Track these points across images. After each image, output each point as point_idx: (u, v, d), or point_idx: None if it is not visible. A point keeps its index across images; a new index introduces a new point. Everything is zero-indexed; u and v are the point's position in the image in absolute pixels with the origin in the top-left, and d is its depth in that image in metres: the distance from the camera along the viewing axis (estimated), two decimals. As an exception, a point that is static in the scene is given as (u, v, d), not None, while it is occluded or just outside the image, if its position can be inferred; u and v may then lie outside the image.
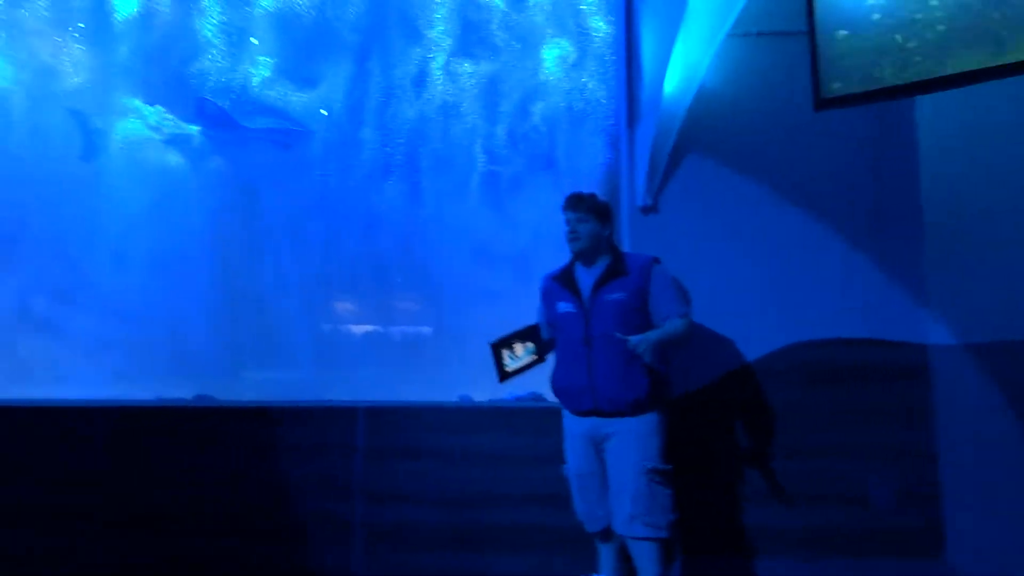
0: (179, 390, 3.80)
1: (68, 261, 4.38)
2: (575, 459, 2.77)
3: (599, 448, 2.70)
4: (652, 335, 2.58)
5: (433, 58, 4.57)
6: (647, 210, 3.29)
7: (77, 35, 4.52)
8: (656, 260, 2.76)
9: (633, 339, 2.54)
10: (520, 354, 2.73)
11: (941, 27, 2.40)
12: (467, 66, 4.57)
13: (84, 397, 3.71)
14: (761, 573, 3.07)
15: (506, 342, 2.73)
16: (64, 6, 4.52)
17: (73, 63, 4.51)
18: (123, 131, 4.56)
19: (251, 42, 4.59)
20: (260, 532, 3.28)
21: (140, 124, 4.60)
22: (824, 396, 3.14)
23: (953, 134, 3.11)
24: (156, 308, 4.30)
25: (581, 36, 4.37)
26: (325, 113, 4.61)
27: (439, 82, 4.57)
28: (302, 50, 4.65)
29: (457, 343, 4.27)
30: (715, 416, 3.17)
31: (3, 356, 4.24)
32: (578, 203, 2.76)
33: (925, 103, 3.18)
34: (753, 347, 3.19)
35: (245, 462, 3.33)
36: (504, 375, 2.72)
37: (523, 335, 2.76)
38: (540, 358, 2.77)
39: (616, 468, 2.64)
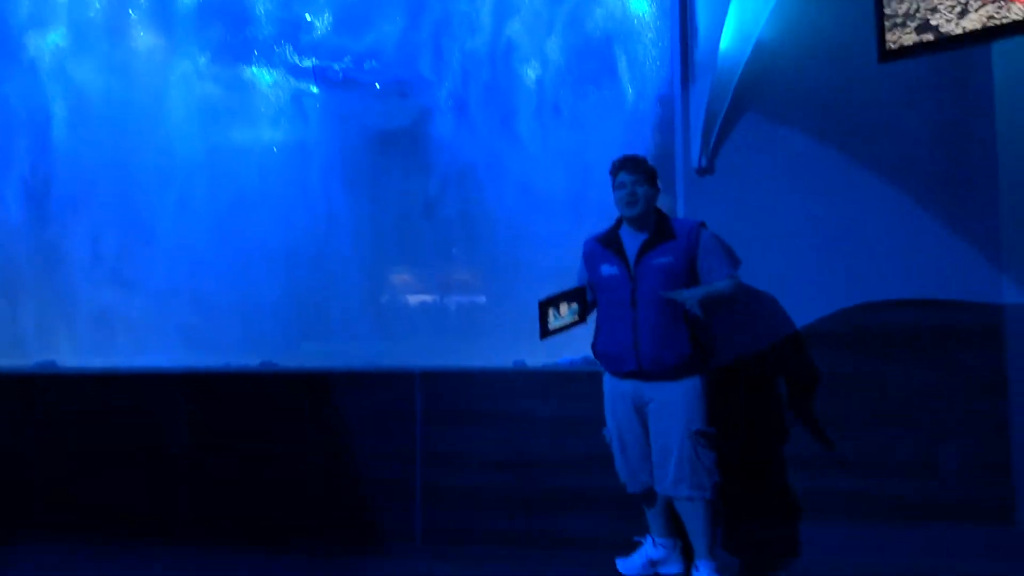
0: (246, 358, 3.97)
1: (143, 227, 4.59)
2: (616, 421, 2.81)
3: (641, 411, 2.73)
4: (699, 291, 2.59)
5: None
6: (702, 172, 3.23)
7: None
8: (703, 224, 2.76)
9: (684, 293, 2.55)
10: (564, 314, 2.74)
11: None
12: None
13: (159, 364, 3.91)
14: (819, 539, 3.01)
15: (553, 301, 2.74)
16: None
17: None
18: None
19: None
20: (323, 495, 3.41)
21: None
22: (891, 361, 3.03)
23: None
24: (224, 279, 4.47)
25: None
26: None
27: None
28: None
29: (511, 312, 4.30)
30: (774, 381, 3.11)
31: (79, 321, 4.50)
32: (635, 165, 2.75)
33: (1002, 51, 3.00)
34: (813, 311, 3.10)
35: (307, 427, 3.46)
36: (545, 332, 2.74)
37: (570, 295, 2.76)
38: (582, 319, 2.78)
39: (659, 431, 2.67)
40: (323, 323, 4.61)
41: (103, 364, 4.06)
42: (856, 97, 3.13)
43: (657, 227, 2.73)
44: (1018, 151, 2.98)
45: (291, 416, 3.49)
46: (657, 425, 2.67)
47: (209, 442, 3.53)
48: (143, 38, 4.71)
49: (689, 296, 2.53)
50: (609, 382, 2.84)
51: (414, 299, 4.78)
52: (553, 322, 2.74)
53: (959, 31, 2.43)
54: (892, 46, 2.62)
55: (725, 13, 2.99)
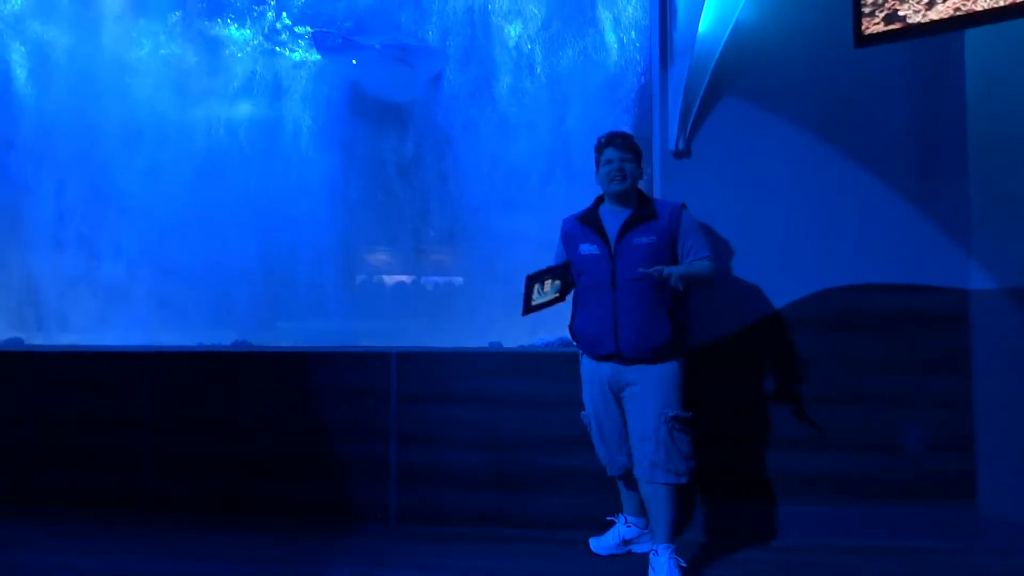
0: (218, 338, 3.93)
1: (114, 203, 4.49)
2: (594, 405, 2.78)
3: (618, 395, 2.71)
4: (680, 268, 2.58)
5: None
6: (679, 155, 3.24)
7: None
8: (683, 206, 2.74)
9: (666, 270, 2.50)
10: (547, 290, 2.70)
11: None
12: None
13: (130, 341, 3.85)
14: (788, 518, 3.08)
15: (539, 276, 2.69)
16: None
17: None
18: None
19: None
20: (297, 473, 3.40)
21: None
22: (858, 342, 3.09)
23: (1004, 73, 2.98)
24: (196, 258, 4.40)
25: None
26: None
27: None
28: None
29: (486, 293, 4.30)
30: (744, 363, 3.15)
31: (44, 303, 4.41)
32: (624, 141, 2.72)
33: (975, 38, 3.04)
34: (786, 294, 3.14)
35: (281, 405, 3.44)
36: (528, 308, 2.69)
37: (555, 271, 2.73)
38: (561, 297, 2.75)
39: (636, 415, 2.64)
40: (298, 302, 4.56)
41: (71, 340, 3.99)
42: (833, 83, 3.15)
43: (639, 206, 2.71)
44: (988, 141, 3.03)
45: (266, 395, 3.46)
46: (634, 409, 2.65)
47: (179, 420, 3.49)
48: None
49: (671, 272, 2.50)
50: (586, 364, 2.81)
51: (389, 278, 4.75)
52: (536, 298, 2.69)
53: (926, 20, 2.46)
54: (867, 31, 2.64)
55: (705, -5, 2.98)
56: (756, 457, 3.13)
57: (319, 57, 4.49)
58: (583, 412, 2.86)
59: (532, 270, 2.70)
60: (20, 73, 4.50)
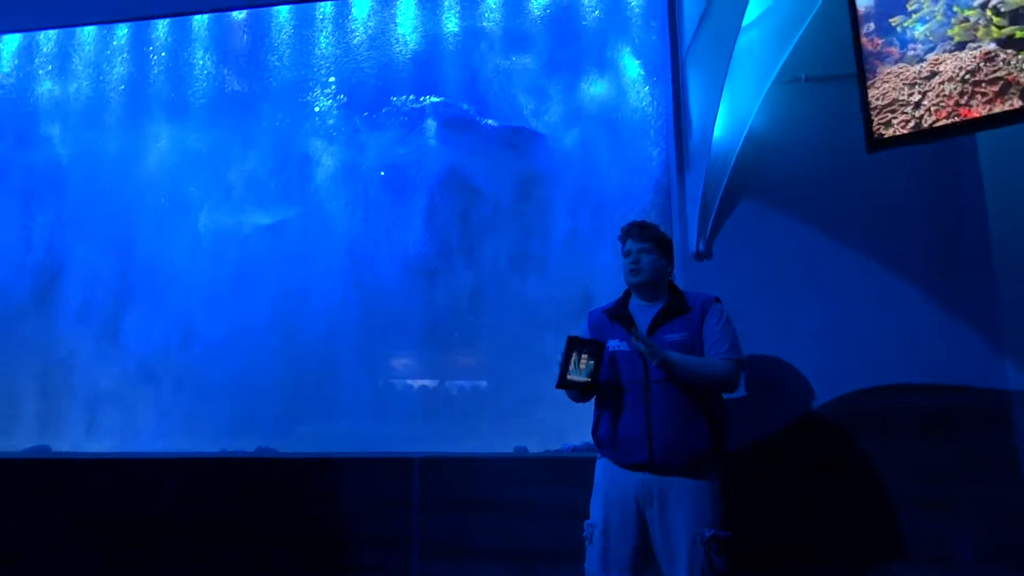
0: (241, 443, 3.91)
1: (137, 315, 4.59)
2: (606, 516, 2.46)
3: (642, 510, 2.41)
4: (670, 353, 2.34)
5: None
6: (700, 256, 3.27)
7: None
8: (717, 299, 2.55)
9: (648, 340, 2.32)
10: (582, 367, 2.40)
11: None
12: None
13: (154, 450, 3.84)
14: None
15: (581, 344, 2.41)
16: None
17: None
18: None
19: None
20: (317, 585, 3.28)
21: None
22: (893, 446, 2.97)
23: (1020, 168, 3.01)
24: (220, 364, 4.44)
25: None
26: None
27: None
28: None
29: (512, 397, 4.25)
30: (774, 469, 3.04)
31: (69, 408, 4.45)
32: (641, 231, 2.56)
33: (987, 137, 3.09)
34: (815, 396, 3.07)
35: (301, 512, 3.36)
36: (563, 381, 2.40)
37: (591, 348, 2.42)
38: (594, 384, 2.43)
39: (666, 534, 2.36)
40: (320, 405, 4.54)
41: (97, 449, 4.00)
42: (848, 183, 3.20)
43: (671, 300, 2.53)
44: (1011, 232, 3.02)
45: (286, 502, 3.39)
46: (664, 527, 2.36)
47: (202, 527, 3.41)
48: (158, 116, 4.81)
49: (654, 347, 2.31)
50: (605, 470, 2.53)
51: (414, 382, 4.73)
52: (572, 371, 2.40)
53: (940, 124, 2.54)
54: (879, 136, 2.71)
55: (718, 103, 3.09)
56: (788, 570, 2.96)
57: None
58: (587, 520, 2.52)
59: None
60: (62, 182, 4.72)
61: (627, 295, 2.65)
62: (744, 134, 3.23)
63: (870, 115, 2.73)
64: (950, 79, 2.51)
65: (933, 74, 2.56)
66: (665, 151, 3.74)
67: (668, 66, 3.60)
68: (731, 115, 3.21)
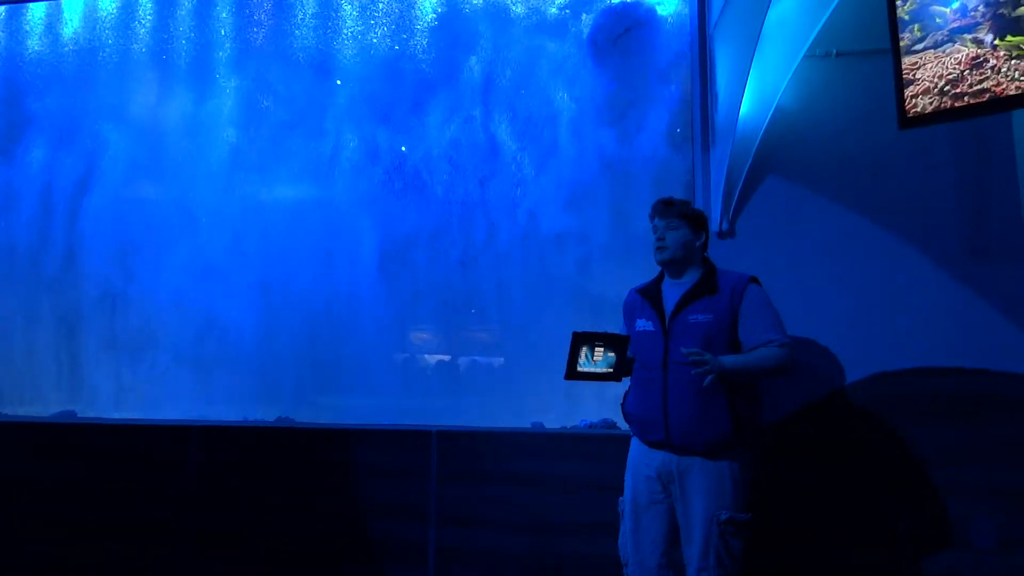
0: (261, 412, 3.96)
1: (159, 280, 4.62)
2: (635, 494, 2.48)
3: (667, 487, 2.41)
4: (727, 360, 2.28)
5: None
6: (723, 235, 3.23)
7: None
8: (753, 279, 2.44)
9: (707, 356, 2.23)
10: (598, 359, 2.40)
11: None
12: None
13: (175, 417, 3.90)
14: (852, 618, 2.87)
15: (589, 338, 2.41)
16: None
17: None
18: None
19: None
20: (334, 553, 3.33)
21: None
22: (919, 429, 2.94)
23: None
24: (244, 334, 4.47)
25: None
26: None
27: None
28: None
29: (529, 373, 4.24)
30: (799, 451, 3.02)
31: (93, 374, 4.52)
32: (667, 208, 2.50)
33: (1021, 116, 3.00)
34: (840, 378, 3.04)
35: (319, 483, 3.41)
36: (572, 373, 2.41)
37: (610, 340, 2.41)
38: (615, 375, 2.43)
39: (686, 514, 2.35)
40: (341, 377, 4.56)
41: (120, 416, 4.07)
42: (877, 162, 3.14)
43: (701, 280, 2.45)
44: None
45: (304, 471, 3.44)
46: (684, 506, 2.35)
47: (220, 494, 3.48)
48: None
49: (713, 362, 2.22)
50: (636, 448, 2.53)
51: (432, 357, 4.73)
52: (583, 364, 2.40)
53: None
54: (911, 113, 2.64)
55: (746, 79, 3.03)
56: (811, 553, 2.95)
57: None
58: (620, 497, 2.57)
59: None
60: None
61: (662, 273, 2.60)
62: (772, 110, 3.16)
63: (903, 90, 2.66)
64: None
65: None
66: (689, 126, 3.66)
67: (696, 39, 3.52)
68: (759, 90, 3.13)
